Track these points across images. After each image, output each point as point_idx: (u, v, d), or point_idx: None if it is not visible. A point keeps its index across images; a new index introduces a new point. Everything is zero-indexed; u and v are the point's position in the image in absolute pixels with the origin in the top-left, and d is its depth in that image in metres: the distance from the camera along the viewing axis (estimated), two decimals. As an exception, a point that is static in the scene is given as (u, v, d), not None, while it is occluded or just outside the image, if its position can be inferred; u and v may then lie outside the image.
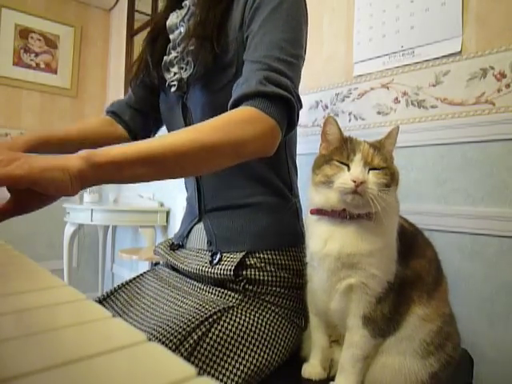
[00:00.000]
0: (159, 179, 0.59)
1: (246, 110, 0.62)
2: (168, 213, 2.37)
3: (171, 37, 0.80)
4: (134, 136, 0.95)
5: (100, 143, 0.85)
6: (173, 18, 0.81)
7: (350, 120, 1.31)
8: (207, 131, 0.58)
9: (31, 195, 0.49)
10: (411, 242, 0.65)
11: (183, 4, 0.81)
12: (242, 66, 0.70)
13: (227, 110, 0.65)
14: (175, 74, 0.78)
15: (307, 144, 1.28)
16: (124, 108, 0.94)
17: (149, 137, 0.99)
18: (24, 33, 2.76)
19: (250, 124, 0.60)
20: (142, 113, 0.94)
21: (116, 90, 3.00)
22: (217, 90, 0.73)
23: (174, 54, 0.79)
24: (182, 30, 0.78)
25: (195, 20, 0.74)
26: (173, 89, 0.78)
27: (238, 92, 0.64)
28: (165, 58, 0.80)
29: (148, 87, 0.90)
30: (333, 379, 0.63)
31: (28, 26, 2.77)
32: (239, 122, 0.60)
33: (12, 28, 2.71)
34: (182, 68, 0.77)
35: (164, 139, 0.57)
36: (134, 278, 0.87)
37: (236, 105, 0.64)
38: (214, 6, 0.73)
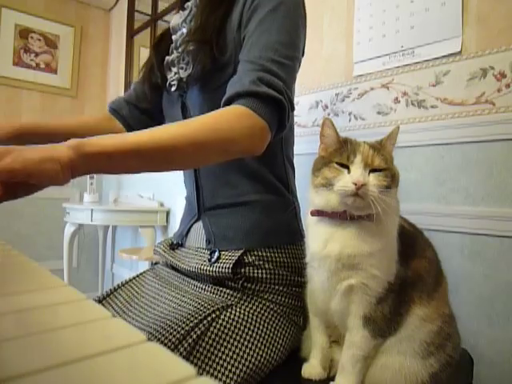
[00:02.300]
0: (149, 171, 0.60)
1: (236, 109, 0.62)
2: (168, 213, 2.37)
3: (174, 37, 0.82)
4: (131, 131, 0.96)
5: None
6: (176, 19, 0.83)
7: (350, 120, 1.31)
8: (196, 127, 0.59)
9: (19, 184, 0.49)
10: (411, 243, 0.65)
11: (185, 5, 0.83)
12: (238, 64, 0.70)
13: None
14: (175, 73, 0.79)
15: (307, 144, 1.27)
16: (122, 104, 0.96)
17: None
18: (24, 33, 2.76)
19: (239, 123, 0.61)
20: (141, 109, 0.95)
21: (116, 90, 3.00)
22: (214, 88, 0.74)
23: (175, 54, 0.80)
24: (184, 31, 0.79)
25: (195, 23, 0.75)
26: (173, 88, 0.80)
27: (231, 90, 0.65)
28: (167, 57, 0.82)
29: (150, 86, 0.90)
30: (333, 379, 0.63)
31: (28, 26, 2.77)
32: (229, 120, 0.61)
33: (12, 28, 2.71)
34: (182, 68, 0.78)
35: (154, 132, 0.57)
36: (134, 278, 0.87)
37: (228, 102, 0.65)
38: (214, 10, 0.74)
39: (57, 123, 0.84)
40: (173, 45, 0.82)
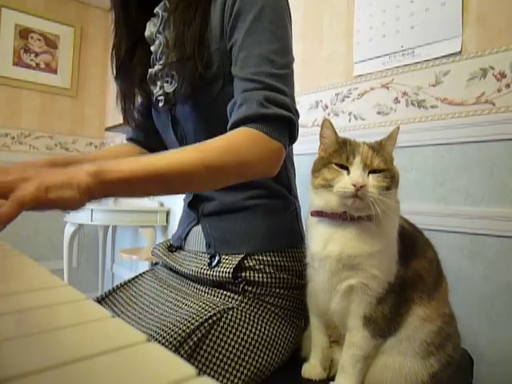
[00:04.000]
0: (165, 195, 0.59)
1: (250, 132, 0.61)
2: (168, 213, 2.37)
3: (152, 48, 0.77)
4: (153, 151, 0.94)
5: None
6: (150, 28, 0.78)
7: (350, 120, 1.31)
8: (213, 152, 0.58)
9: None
10: (411, 243, 0.65)
11: (155, 11, 0.77)
12: (228, 76, 0.69)
13: (219, 122, 0.65)
14: (161, 87, 0.76)
15: (307, 144, 1.28)
16: (136, 132, 0.95)
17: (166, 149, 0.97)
18: (24, 33, 2.76)
19: (255, 147, 0.61)
20: (153, 131, 0.92)
21: (116, 90, 3.00)
22: (207, 104, 0.72)
23: (157, 66, 0.76)
24: (161, 40, 0.75)
25: (172, 37, 0.70)
26: (160, 104, 0.77)
27: (238, 114, 0.63)
28: (150, 70, 0.78)
29: (141, 111, 0.89)
30: (333, 379, 0.63)
31: (28, 26, 2.77)
32: (244, 144, 0.61)
33: (12, 28, 2.71)
34: (167, 81, 0.75)
35: (171, 157, 0.57)
36: (133, 278, 0.87)
37: (236, 126, 0.63)
38: (190, 20, 0.69)
39: (86, 157, 0.85)
40: (153, 56, 0.78)
